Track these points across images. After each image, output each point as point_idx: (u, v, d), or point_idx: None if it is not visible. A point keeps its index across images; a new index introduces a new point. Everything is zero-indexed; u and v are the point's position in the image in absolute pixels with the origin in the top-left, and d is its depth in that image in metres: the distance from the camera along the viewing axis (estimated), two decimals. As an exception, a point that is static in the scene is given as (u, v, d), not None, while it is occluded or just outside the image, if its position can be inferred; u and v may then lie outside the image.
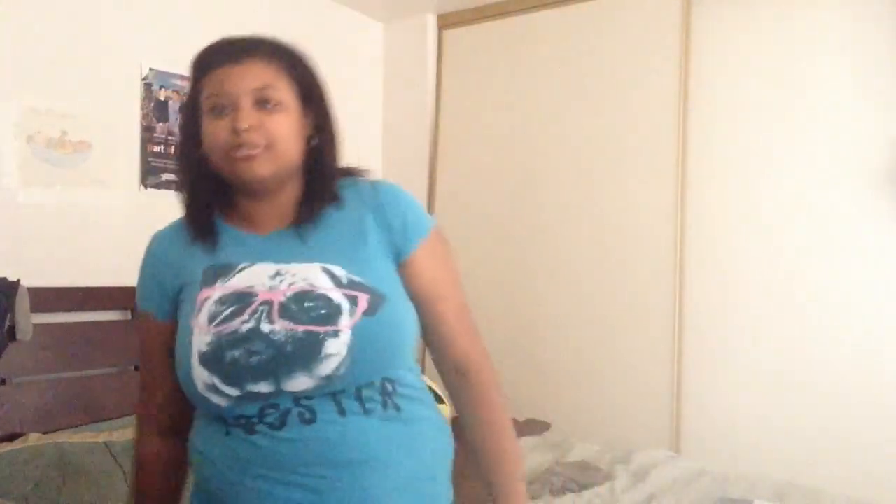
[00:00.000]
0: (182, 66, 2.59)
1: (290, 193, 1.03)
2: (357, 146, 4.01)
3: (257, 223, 1.04)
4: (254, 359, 0.92)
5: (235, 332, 0.93)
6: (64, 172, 2.21)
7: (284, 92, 0.99)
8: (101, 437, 1.94)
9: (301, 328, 0.93)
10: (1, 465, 1.71)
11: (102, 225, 2.31)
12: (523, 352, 2.97)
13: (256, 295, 0.96)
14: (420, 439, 1.00)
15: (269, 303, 0.95)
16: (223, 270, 1.00)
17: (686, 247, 2.69)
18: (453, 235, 3.53)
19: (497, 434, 1.08)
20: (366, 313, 0.94)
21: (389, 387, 0.98)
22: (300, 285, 0.95)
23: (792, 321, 2.52)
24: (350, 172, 1.08)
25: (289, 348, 0.92)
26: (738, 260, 2.63)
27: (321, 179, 1.04)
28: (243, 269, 0.99)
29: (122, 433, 1.98)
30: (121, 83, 2.39)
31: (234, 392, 0.93)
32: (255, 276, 0.98)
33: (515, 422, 2.58)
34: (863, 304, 2.41)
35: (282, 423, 0.93)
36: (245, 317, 0.94)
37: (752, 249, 2.61)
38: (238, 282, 0.98)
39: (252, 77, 0.97)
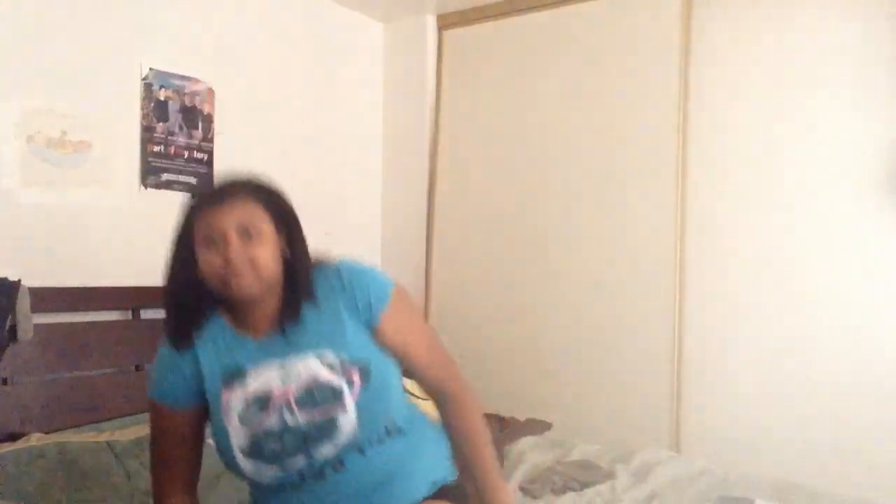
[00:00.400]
0: (182, 66, 2.62)
1: (276, 299, 1.26)
2: (357, 146, 4.00)
3: (252, 327, 1.26)
4: (286, 445, 1.20)
5: (268, 429, 1.20)
6: (64, 172, 2.21)
7: (263, 223, 1.21)
8: (104, 437, 1.94)
9: (317, 414, 1.20)
10: (3, 465, 1.71)
11: (102, 225, 2.31)
12: (525, 352, 2.97)
13: (273, 392, 1.21)
14: (423, 443, 1.33)
15: (286, 398, 1.21)
16: (237, 373, 1.24)
17: (686, 247, 2.69)
18: (453, 235, 3.55)
19: (474, 439, 1.35)
20: (361, 386, 1.21)
21: (391, 425, 1.27)
22: (304, 379, 1.21)
23: (792, 321, 2.52)
24: (318, 261, 1.30)
25: (312, 431, 1.20)
26: (738, 260, 2.63)
27: (297, 287, 1.25)
28: (253, 370, 1.23)
29: (123, 433, 1.98)
30: (121, 83, 2.38)
31: (277, 472, 1.22)
32: (267, 376, 1.22)
33: (517, 421, 2.60)
34: (863, 304, 2.42)
35: (321, 476, 1.22)
36: (270, 415, 1.20)
37: (752, 249, 2.61)
38: (254, 384, 1.22)
39: (236, 214, 1.19)
